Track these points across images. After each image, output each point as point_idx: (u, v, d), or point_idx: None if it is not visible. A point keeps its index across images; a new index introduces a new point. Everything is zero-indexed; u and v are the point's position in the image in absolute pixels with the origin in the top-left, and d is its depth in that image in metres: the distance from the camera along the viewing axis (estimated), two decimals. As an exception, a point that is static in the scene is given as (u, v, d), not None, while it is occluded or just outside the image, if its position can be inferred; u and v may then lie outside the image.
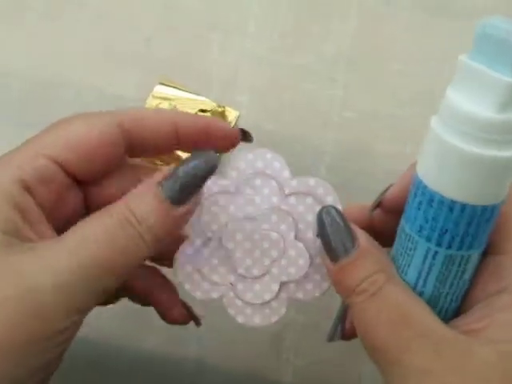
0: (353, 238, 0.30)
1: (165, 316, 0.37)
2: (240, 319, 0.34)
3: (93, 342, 0.49)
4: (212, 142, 0.34)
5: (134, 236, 0.29)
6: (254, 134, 0.45)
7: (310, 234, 0.33)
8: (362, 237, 0.30)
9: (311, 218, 0.33)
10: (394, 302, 0.29)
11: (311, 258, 0.33)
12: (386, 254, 0.31)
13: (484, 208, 0.28)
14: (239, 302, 0.34)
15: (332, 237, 0.30)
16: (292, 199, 0.33)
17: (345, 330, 0.35)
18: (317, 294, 0.34)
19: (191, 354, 0.51)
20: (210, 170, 0.31)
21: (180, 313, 0.36)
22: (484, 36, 0.26)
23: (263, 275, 0.34)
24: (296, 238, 0.33)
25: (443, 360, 0.27)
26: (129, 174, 0.35)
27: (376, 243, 0.31)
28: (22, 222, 0.30)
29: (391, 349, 0.28)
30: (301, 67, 0.48)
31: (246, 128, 0.46)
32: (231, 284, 0.34)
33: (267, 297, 0.34)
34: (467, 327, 0.29)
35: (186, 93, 0.46)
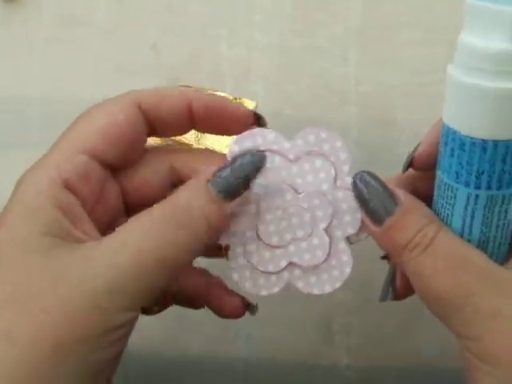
0: (393, 197, 0.30)
1: (220, 310, 0.36)
2: (234, 276, 0.33)
3: (140, 351, 0.50)
4: (225, 123, 0.34)
5: (186, 228, 0.29)
6: (275, 121, 0.46)
7: (339, 233, 0.33)
8: (403, 194, 0.30)
9: (348, 218, 0.33)
10: (449, 249, 0.29)
11: (329, 255, 0.33)
12: (428, 207, 0.31)
13: None
14: (242, 260, 0.33)
15: (372, 200, 0.31)
16: (340, 194, 0.33)
17: (396, 290, 0.35)
18: (315, 292, 0.33)
19: (241, 352, 0.51)
20: (258, 169, 0.31)
21: (235, 305, 0.36)
22: None
23: (278, 247, 0.33)
24: (325, 230, 0.33)
25: (510, 298, 0.27)
26: (153, 156, 0.35)
27: (416, 198, 0.31)
28: (66, 222, 0.30)
29: (455, 295, 0.28)
30: (312, 50, 0.48)
31: (267, 116, 0.47)
32: (245, 239, 0.33)
33: (271, 268, 0.33)
34: None
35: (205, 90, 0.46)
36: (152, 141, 0.37)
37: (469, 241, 0.30)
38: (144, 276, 0.28)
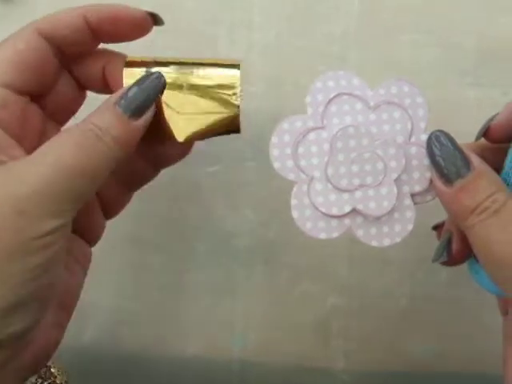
0: (466, 160, 0.31)
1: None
2: (294, 214, 0.33)
3: (136, 353, 0.49)
4: (123, 29, 0.36)
5: (96, 139, 0.32)
6: (274, 122, 0.45)
7: (406, 188, 0.33)
8: (476, 159, 0.31)
9: (417, 175, 0.33)
10: None
11: (393, 209, 0.33)
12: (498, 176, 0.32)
13: None
14: (306, 199, 0.33)
15: (445, 160, 0.31)
16: (413, 149, 0.33)
17: (451, 253, 0.35)
18: (373, 243, 0.33)
19: (235, 354, 0.51)
20: (160, 90, 0.35)
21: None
22: None
23: (344, 191, 0.33)
24: (395, 181, 0.33)
25: None
26: (67, 77, 0.37)
27: (487, 165, 0.31)
28: None
29: None
30: (310, 51, 0.48)
31: (265, 116, 0.46)
32: (313, 177, 0.33)
33: (334, 211, 0.33)
34: None
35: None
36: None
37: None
38: (64, 181, 0.31)
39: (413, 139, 0.33)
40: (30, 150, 0.33)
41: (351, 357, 0.51)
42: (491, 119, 0.33)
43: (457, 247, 0.34)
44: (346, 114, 0.33)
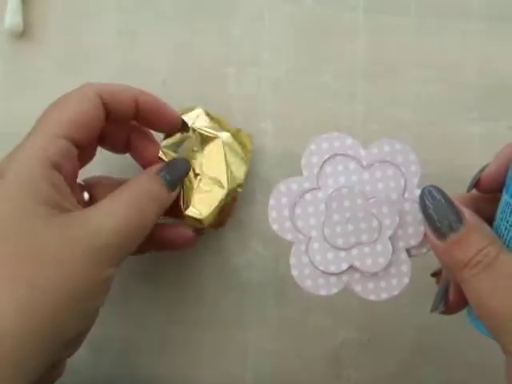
0: (458, 214, 0.31)
1: (173, 242, 0.46)
2: (294, 272, 0.35)
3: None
4: (160, 121, 0.44)
5: (153, 202, 0.40)
6: (284, 159, 0.47)
7: (402, 243, 0.34)
8: (468, 212, 0.31)
9: (412, 230, 0.34)
10: (510, 270, 0.30)
11: (389, 264, 0.34)
12: (490, 228, 0.32)
13: None
14: (304, 258, 0.34)
15: (437, 214, 0.31)
16: (407, 205, 0.34)
17: (449, 302, 0.36)
18: (371, 298, 0.34)
19: (246, 382, 0.51)
20: (188, 170, 0.45)
21: (187, 235, 0.46)
22: None
23: (341, 249, 0.34)
24: (390, 238, 0.34)
25: None
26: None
27: (479, 218, 0.32)
28: (57, 195, 0.36)
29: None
30: (319, 87, 0.49)
31: (276, 153, 0.47)
32: (310, 237, 0.34)
33: (332, 269, 0.34)
34: None
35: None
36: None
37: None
38: (129, 236, 0.37)
39: (406, 195, 0.34)
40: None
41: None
42: (481, 170, 0.34)
43: (453, 298, 0.35)
44: (341, 175, 0.34)
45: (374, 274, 0.34)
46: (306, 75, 0.50)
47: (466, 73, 0.49)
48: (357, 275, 0.34)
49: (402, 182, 0.34)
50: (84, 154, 0.41)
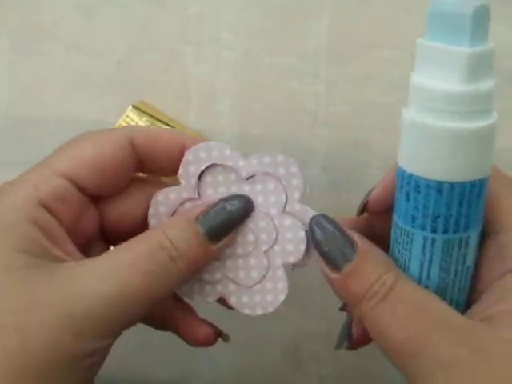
0: (350, 243, 0.29)
1: (191, 339, 0.35)
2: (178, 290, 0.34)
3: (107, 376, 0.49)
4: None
5: (169, 261, 0.30)
6: (241, 141, 0.45)
7: (279, 260, 0.33)
8: (360, 239, 0.29)
9: (291, 248, 0.32)
10: (407, 298, 0.28)
11: (265, 279, 0.33)
12: (385, 253, 0.30)
13: (472, 184, 0.27)
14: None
15: (328, 245, 0.30)
16: (287, 221, 0.32)
17: (352, 338, 0.34)
18: (246, 312, 0.33)
19: (205, 376, 0.51)
20: (248, 212, 0.32)
21: (206, 332, 0.35)
22: (436, 14, 0.26)
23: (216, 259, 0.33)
24: (265, 253, 0.33)
25: (468, 348, 0.26)
26: (137, 188, 0.35)
27: (372, 243, 0.30)
28: (46, 240, 0.30)
29: (412, 344, 0.27)
30: (280, 67, 0.47)
31: (233, 135, 0.45)
32: None
33: (205, 277, 0.33)
34: (482, 314, 0.28)
35: (158, 122, 0.47)
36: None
37: (427, 286, 0.29)
38: (126, 307, 0.29)
39: (288, 209, 0.32)
40: (79, 249, 0.32)
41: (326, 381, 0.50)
42: (368, 194, 0.32)
43: (357, 333, 0.34)
44: (221, 185, 0.33)
45: (249, 288, 0.33)
46: (267, 57, 0.47)
47: None
48: (232, 287, 0.33)
49: (283, 197, 0.32)
50: (108, 204, 0.35)
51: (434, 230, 0.28)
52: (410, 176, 0.27)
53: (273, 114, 0.47)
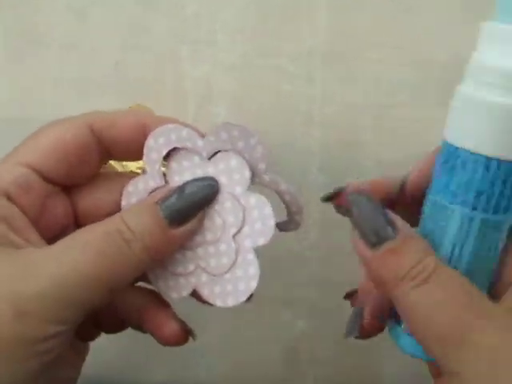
0: (391, 222, 0.29)
1: (159, 336, 0.33)
2: (149, 275, 0.33)
3: (101, 377, 0.46)
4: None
5: (123, 245, 0.29)
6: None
7: (248, 242, 0.31)
8: (401, 221, 0.29)
9: (259, 226, 0.31)
10: (450, 284, 0.28)
11: (235, 265, 0.31)
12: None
13: None
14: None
15: (368, 222, 0.29)
16: (253, 199, 0.31)
17: (363, 326, 0.33)
18: (218, 303, 0.32)
19: (201, 377, 0.49)
20: (211, 195, 0.31)
21: (173, 330, 0.33)
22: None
23: (187, 249, 0.32)
24: (234, 237, 0.31)
25: (510, 338, 0.26)
26: (109, 176, 0.35)
27: (412, 228, 0.30)
28: (5, 228, 0.30)
29: (457, 331, 0.27)
30: (276, 69, 0.47)
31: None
32: None
33: (179, 270, 0.32)
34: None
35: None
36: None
37: (455, 267, 0.29)
38: (77, 289, 0.28)
39: (257, 180, 0.32)
40: (46, 240, 0.32)
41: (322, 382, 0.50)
42: (406, 176, 0.32)
43: (369, 321, 0.33)
44: (186, 170, 0.32)
45: (220, 276, 0.31)
46: (263, 57, 0.47)
47: (428, 55, 0.47)
48: (204, 277, 0.32)
49: (247, 173, 0.31)
50: (79, 194, 0.34)
51: (474, 207, 0.27)
52: (457, 150, 0.27)
53: (269, 115, 0.48)
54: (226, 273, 0.31)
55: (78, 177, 0.34)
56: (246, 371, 0.49)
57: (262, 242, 0.31)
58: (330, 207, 0.34)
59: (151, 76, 0.48)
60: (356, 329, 0.33)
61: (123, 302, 0.34)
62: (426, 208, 0.30)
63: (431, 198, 0.29)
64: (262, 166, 0.31)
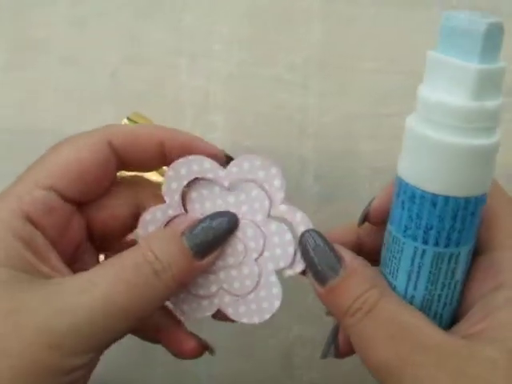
0: (338, 258, 0.30)
1: (176, 351, 0.35)
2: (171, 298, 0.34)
3: (101, 376, 0.48)
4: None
5: (153, 276, 0.29)
6: (233, 152, 0.45)
7: (271, 265, 0.33)
8: (348, 255, 0.30)
9: (279, 252, 0.33)
10: (390, 316, 0.28)
11: (258, 287, 0.33)
12: (374, 269, 0.31)
13: (467, 200, 0.27)
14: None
15: (316, 259, 0.30)
16: (273, 226, 0.32)
17: (339, 347, 0.34)
18: (244, 321, 0.33)
19: (198, 382, 0.50)
20: (232, 229, 0.32)
21: (192, 346, 0.35)
22: (449, 29, 0.26)
23: (209, 273, 0.33)
24: (256, 261, 0.33)
25: (447, 368, 0.26)
26: (122, 188, 0.35)
27: (363, 259, 0.30)
28: (30, 255, 0.29)
29: (393, 364, 0.27)
30: (272, 79, 0.48)
31: (225, 147, 0.46)
32: None
33: (201, 292, 0.33)
34: (468, 331, 0.28)
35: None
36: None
37: (413, 297, 0.29)
38: (109, 321, 0.28)
39: (272, 212, 0.33)
40: (64, 258, 0.32)
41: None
42: (370, 203, 0.32)
43: (343, 342, 0.34)
44: (206, 199, 0.33)
45: (244, 297, 0.33)
46: (259, 67, 0.48)
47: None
48: (227, 298, 0.33)
49: (267, 203, 0.32)
50: (92, 208, 0.34)
51: (425, 242, 0.28)
52: (407, 185, 0.28)
53: (265, 125, 0.48)
54: (249, 294, 0.33)
55: (94, 193, 0.33)
56: (243, 376, 0.50)
57: (282, 264, 0.32)
58: (324, 218, 0.34)
59: (149, 86, 0.49)
60: (332, 350, 0.34)
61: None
62: (386, 236, 0.31)
63: (388, 228, 0.30)
64: (279, 196, 0.32)
